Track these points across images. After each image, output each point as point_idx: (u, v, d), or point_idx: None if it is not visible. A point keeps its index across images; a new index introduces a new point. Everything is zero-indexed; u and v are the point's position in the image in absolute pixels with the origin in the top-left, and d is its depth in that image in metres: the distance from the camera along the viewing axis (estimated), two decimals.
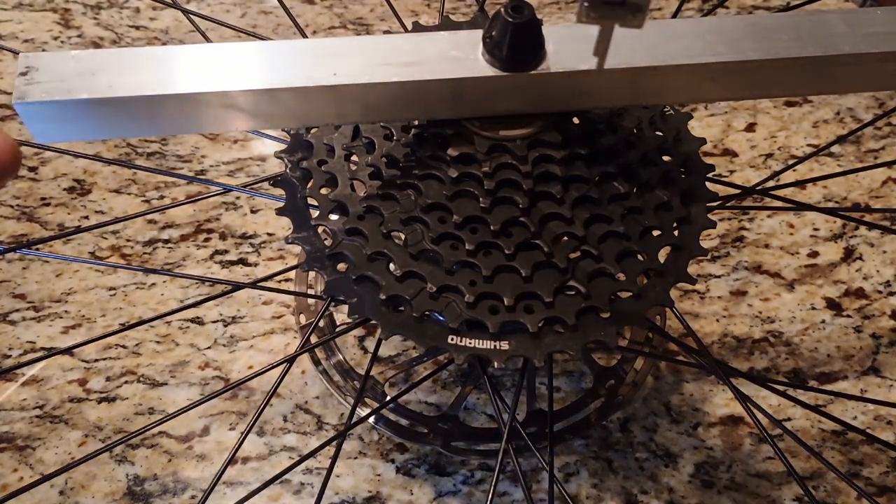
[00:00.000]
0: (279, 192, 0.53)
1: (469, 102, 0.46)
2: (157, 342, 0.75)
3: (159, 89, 0.43)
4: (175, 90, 0.43)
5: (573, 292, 0.48)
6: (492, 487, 0.49)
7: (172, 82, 0.43)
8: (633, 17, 0.37)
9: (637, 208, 0.51)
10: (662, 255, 0.51)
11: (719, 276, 0.78)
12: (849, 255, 0.80)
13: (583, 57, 0.44)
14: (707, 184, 0.54)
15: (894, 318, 0.76)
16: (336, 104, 0.44)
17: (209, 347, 0.75)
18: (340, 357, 0.73)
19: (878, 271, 0.79)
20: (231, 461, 0.65)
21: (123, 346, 0.74)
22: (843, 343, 0.74)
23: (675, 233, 0.52)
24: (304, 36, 0.68)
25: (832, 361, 0.73)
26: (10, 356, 0.73)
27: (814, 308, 0.77)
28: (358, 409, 0.68)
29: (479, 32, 0.45)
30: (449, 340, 0.47)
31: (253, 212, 0.84)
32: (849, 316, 0.76)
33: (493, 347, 0.47)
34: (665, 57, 0.45)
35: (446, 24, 0.58)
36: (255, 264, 0.80)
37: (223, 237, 0.82)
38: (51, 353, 0.53)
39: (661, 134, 0.54)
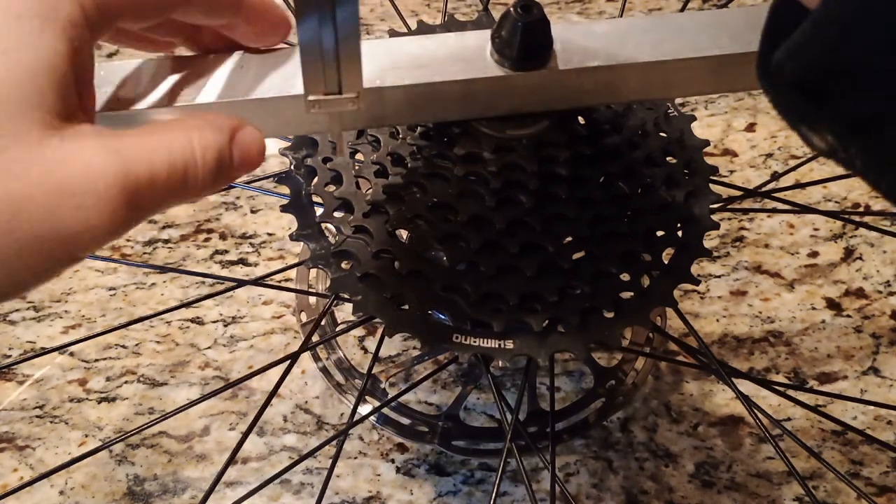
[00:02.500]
0: (282, 189, 0.53)
1: (479, 103, 0.46)
2: (157, 342, 0.75)
3: (156, 101, 0.42)
4: (177, 102, 0.42)
5: (577, 292, 0.48)
6: (495, 487, 0.49)
7: (171, 92, 0.42)
8: (352, 104, 0.40)
9: (641, 209, 0.51)
10: (666, 256, 0.51)
11: (719, 276, 0.79)
12: (849, 255, 0.80)
13: (590, 54, 0.44)
14: (710, 185, 0.54)
15: (894, 318, 0.76)
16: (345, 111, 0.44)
17: (209, 347, 0.75)
18: (341, 355, 0.72)
19: (878, 271, 0.79)
20: (232, 461, 0.65)
21: (123, 346, 0.74)
22: (843, 343, 0.74)
23: (679, 233, 0.52)
24: None
25: (832, 361, 0.73)
26: (10, 356, 0.73)
27: (814, 308, 0.77)
28: (359, 407, 0.68)
29: (487, 33, 0.44)
30: (453, 339, 0.47)
31: (253, 212, 0.84)
32: (849, 316, 0.76)
33: (497, 346, 0.47)
34: (671, 52, 0.45)
35: (451, 24, 0.58)
36: (255, 264, 0.80)
37: (223, 237, 0.82)
38: (45, 351, 0.53)
39: (664, 135, 0.55)
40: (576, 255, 0.49)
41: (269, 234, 0.82)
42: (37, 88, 0.29)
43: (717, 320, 0.76)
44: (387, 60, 0.43)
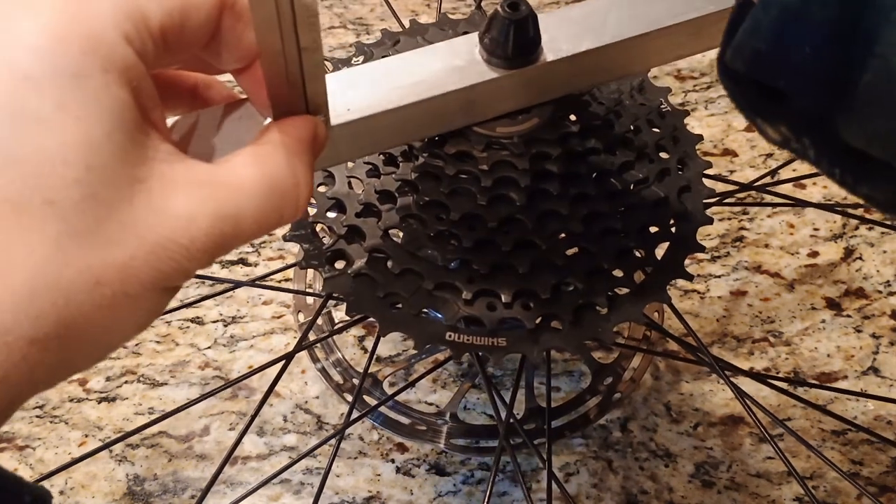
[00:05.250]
0: None
1: (481, 107, 0.46)
2: (157, 342, 0.75)
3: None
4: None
5: (570, 289, 0.48)
6: (489, 486, 0.49)
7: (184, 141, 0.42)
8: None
9: (634, 205, 0.51)
10: (661, 252, 0.51)
11: (719, 276, 0.78)
12: (849, 254, 0.80)
13: (577, 39, 0.45)
14: (705, 180, 0.54)
15: (894, 318, 0.76)
16: (352, 139, 0.44)
17: (209, 347, 0.75)
18: (339, 356, 0.73)
19: (878, 271, 0.79)
20: (231, 461, 0.65)
21: (123, 346, 0.74)
22: (843, 343, 0.74)
23: (673, 229, 0.52)
24: None
25: (832, 361, 0.73)
26: None
27: (814, 308, 0.77)
28: (357, 407, 0.68)
29: (474, 36, 0.45)
30: (447, 337, 0.47)
31: None
32: (849, 316, 0.76)
33: (490, 344, 0.47)
34: (652, 22, 0.45)
35: (443, 22, 0.58)
36: (255, 264, 0.80)
37: None
38: None
39: (657, 131, 0.55)
40: (569, 252, 0.49)
41: (269, 234, 0.82)
42: (117, 146, 0.28)
43: (717, 320, 0.76)
44: (386, 82, 0.43)
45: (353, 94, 0.43)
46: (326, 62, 0.50)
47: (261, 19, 0.32)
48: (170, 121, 0.38)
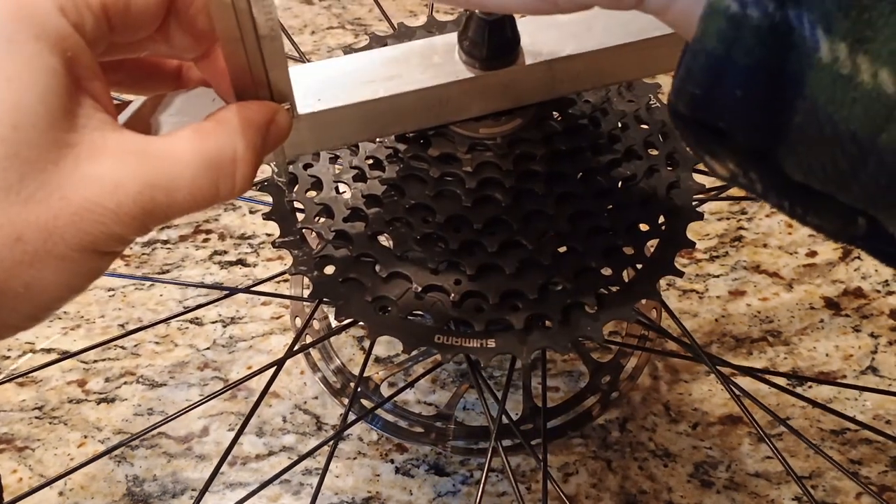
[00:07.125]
0: (265, 197, 0.54)
1: (454, 107, 0.46)
2: (157, 343, 0.75)
3: None
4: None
5: (559, 288, 0.48)
6: (481, 486, 0.49)
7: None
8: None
9: (622, 203, 0.51)
10: (651, 250, 0.51)
11: (718, 276, 0.78)
12: (847, 254, 0.80)
13: (559, 45, 0.45)
14: (696, 176, 0.54)
15: (893, 318, 0.75)
16: (321, 129, 0.44)
17: (208, 348, 0.75)
18: (339, 363, 0.73)
19: (876, 270, 0.79)
20: (230, 461, 0.65)
21: (122, 347, 0.75)
22: (842, 342, 0.74)
23: (662, 226, 0.51)
24: (293, 42, 0.68)
25: (831, 361, 0.73)
26: (9, 356, 0.74)
27: (812, 307, 0.76)
28: (353, 410, 0.68)
29: (453, 36, 0.45)
30: (435, 339, 0.47)
31: (252, 212, 0.84)
32: (847, 315, 0.76)
33: (479, 346, 0.47)
34: (638, 32, 0.45)
35: (431, 24, 0.58)
36: (254, 265, 0.80)
37: (222, 238, 0.82)
38: (51, 362, 0.53)
39: (646, 127, 0.54)
40: (557, 251, 0.49)
41: (268, 235, 0.82)
42: (46, 110, 0.29)
43: (716, 320, 0.76)
44: (362, 75, 0.44)
45: (326, 85, 0.43)
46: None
47: (216, 6, 0.32)
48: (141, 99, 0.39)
